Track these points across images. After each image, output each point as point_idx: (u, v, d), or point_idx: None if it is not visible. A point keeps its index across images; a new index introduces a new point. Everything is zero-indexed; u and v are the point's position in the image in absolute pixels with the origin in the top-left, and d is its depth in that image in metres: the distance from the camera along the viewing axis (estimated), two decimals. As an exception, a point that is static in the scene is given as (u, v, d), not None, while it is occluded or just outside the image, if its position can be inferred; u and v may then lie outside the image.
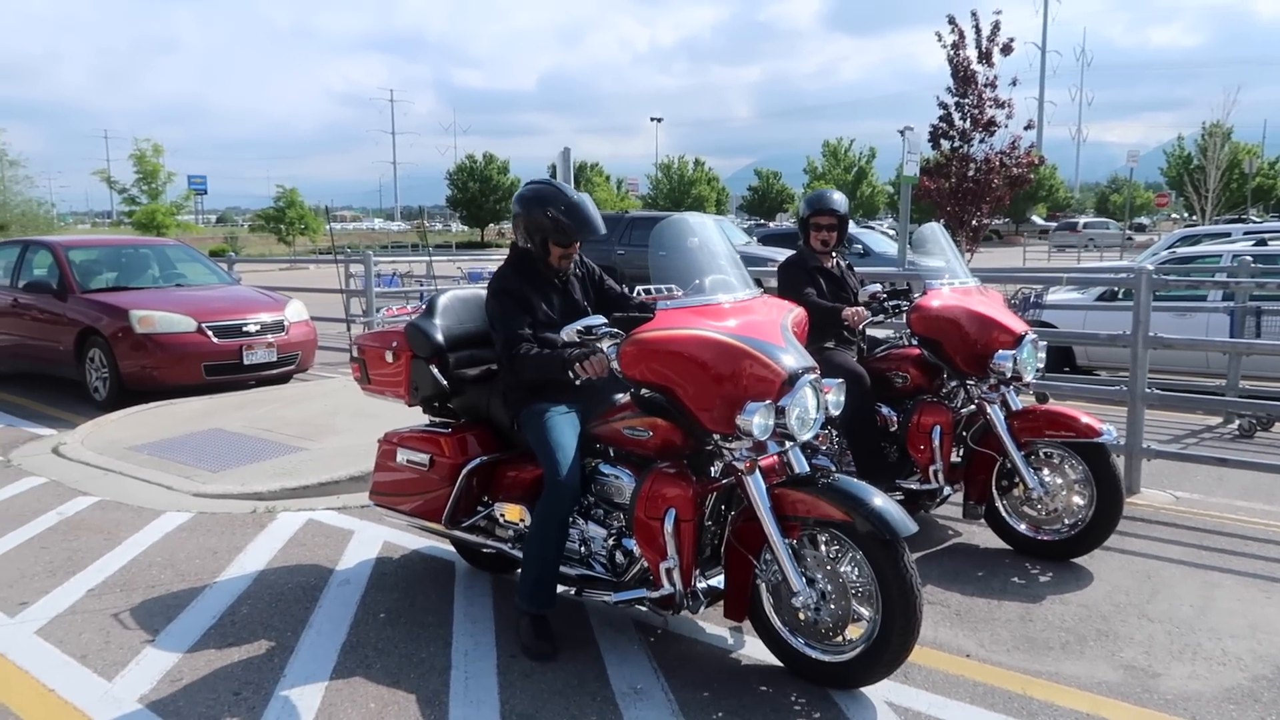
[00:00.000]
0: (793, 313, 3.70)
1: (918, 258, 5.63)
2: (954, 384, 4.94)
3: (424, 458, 4.08)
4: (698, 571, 3.42)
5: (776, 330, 3.46)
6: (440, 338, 4.13)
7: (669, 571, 3.32)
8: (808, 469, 3.40)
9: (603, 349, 3.44)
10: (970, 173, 19.31)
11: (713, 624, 3.87)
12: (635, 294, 3.90)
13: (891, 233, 24.90)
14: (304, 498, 5.75)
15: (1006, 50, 18.79)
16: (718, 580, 3.51)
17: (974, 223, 19.90)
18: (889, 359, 5.08)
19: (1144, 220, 61.36)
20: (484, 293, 4.07)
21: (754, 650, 3.63)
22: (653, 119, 70.34)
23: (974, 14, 18.70)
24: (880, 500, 3.18)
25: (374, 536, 5.03)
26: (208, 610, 4.10)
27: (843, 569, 3.28)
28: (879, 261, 17.17)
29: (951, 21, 18.84)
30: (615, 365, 3.43)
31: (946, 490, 4.80)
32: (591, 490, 3.68)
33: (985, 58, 18.73)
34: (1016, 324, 4.78)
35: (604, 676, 3.48)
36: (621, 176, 63.81)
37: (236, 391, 8.99)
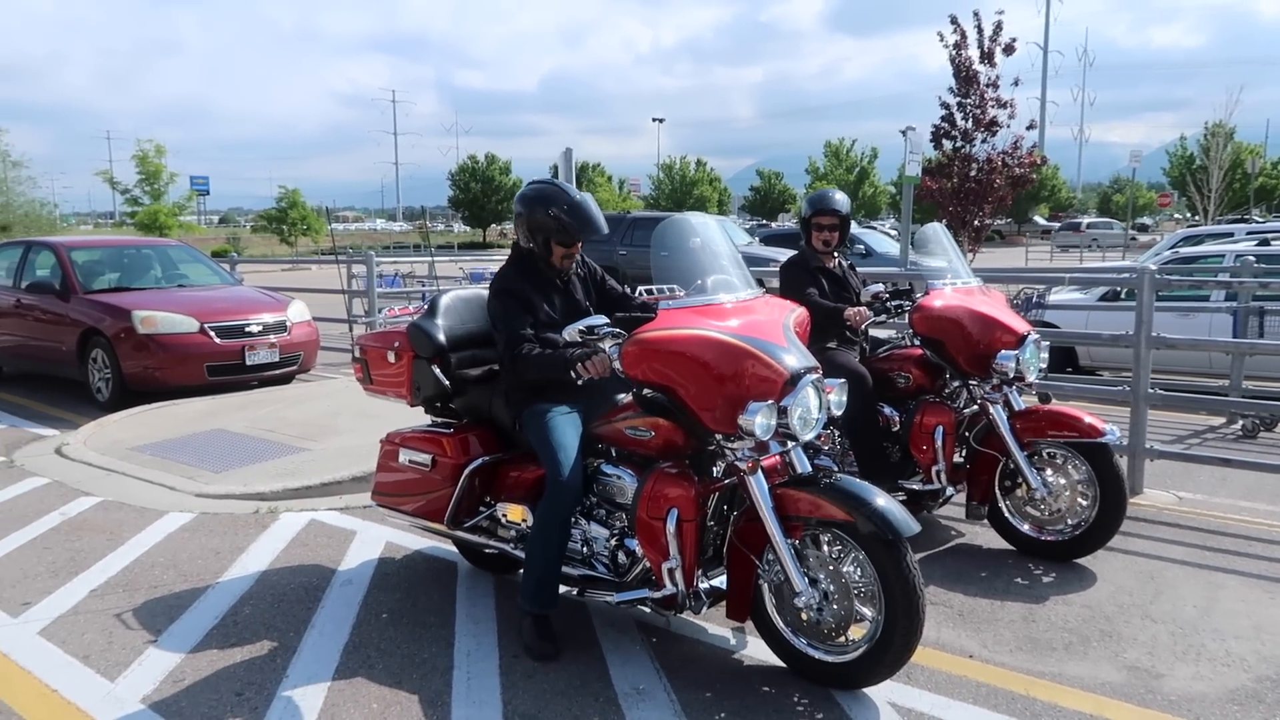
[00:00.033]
0: (795, 313, 3.70)
1: (920, 258, 5.62)
2: (956, 384, 4.94)
3: (426, 458, 4.08)
4: (700, 572, 3.42)
5: (779, 330, 3.46)
6: (442, 338, 4.13)
7: (671, 572, 3.32)
8: (810, 469, 3.40)
9: (604, 349, 3.44)
10: (972, 173, 19.29)
11: (715, 624, 3.86)
12: (637, 294, 3.90)
13: (893, 233, 24.89)
14: (306, 498, 5.75)
15: (1009, 50, 18.77)
16: (720, 581, 3.50)
17: (976, 223, 19.87)
18: (891, 359, 5.08)
19: (1146, 220, 61.29)
20: (486, 293, 4.07)
21: (756, 651, 3.63)
22: (655, 120, 70.45)
23: (976, 14, 18.69)
24: (883, 500, 3.18)
25: (376, 537, 5.03)
26: (210, 610, 4.10)
27: (845, 569, 3.28)
28: (881, 262, 17.16)
29: (954, 22, 18.83)
30: (617, 365, 3.43)
31: (949, 490, 4.79)
32: (594, 490, 3.68)
33: (987, 58, 18.71)
34: (1019, 324, 4.78)
35: (606, 677, 3.48)
36: (623, 177, 63.84)
37: (239, 392, 8.99)
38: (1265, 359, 8.05)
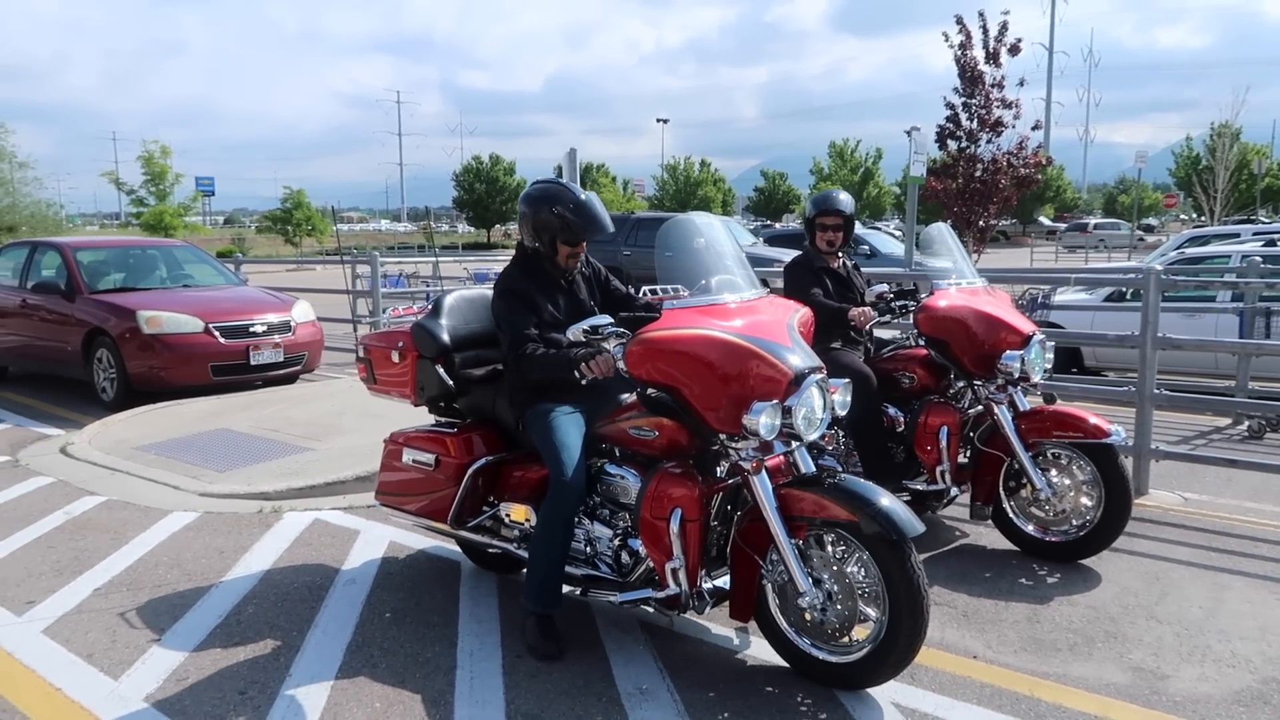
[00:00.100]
0: (799, 313, 3.69)
1: (925, 258, 5.62)
2: (961, 384, 4.93)
3: (430, 458, 4.08)
4: (703, 572, 3.41)
5: (783, 330, 3.46)
6: (446, 338, 4.13)
7: (675, 572, 3.31)
8: (814, 469, 3.39)
9: (608, 349, 3.43)
10: (977, 173, 19.26)
11: (718, 624, 3.86)
12: (641, 294, 3.89)
13: (898, 233, 24.86)
14: (310, 498, 5.75)
15: (1014, 50, 18.75)
16: (723, 581, 3.50)
17: (981, 223, 19.85)
18: (896, 359, 5.07)
19: (1152, 221, 61.19)
20: (490, 293, 4.07)
21: (760, 651, 3.62)
22: (659, 120, 70.57)
23: (981, 14, 18.67)
24: (887, 500, 3.17)
25: (380, 536, 5.03)
26: (214, 610, 4.11)
27: (849, 569, 3.27)
28: (885, 262, 17.14)
29: (959, 22, 18.81)
30: (621, 365, 3.42)
31: (953, 491, 4.78)
32: (597, 490, 3.67)
33: (993, 58, 18.68)
34: (1024, 324, 4.76)
35: (609, 677, 3.47)
36: (628, 177, 63.88)
37: (243, 392, 9.00)
38: (1271, 360, 8.02)
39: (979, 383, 4.79)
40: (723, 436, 3.33)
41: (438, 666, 3.57)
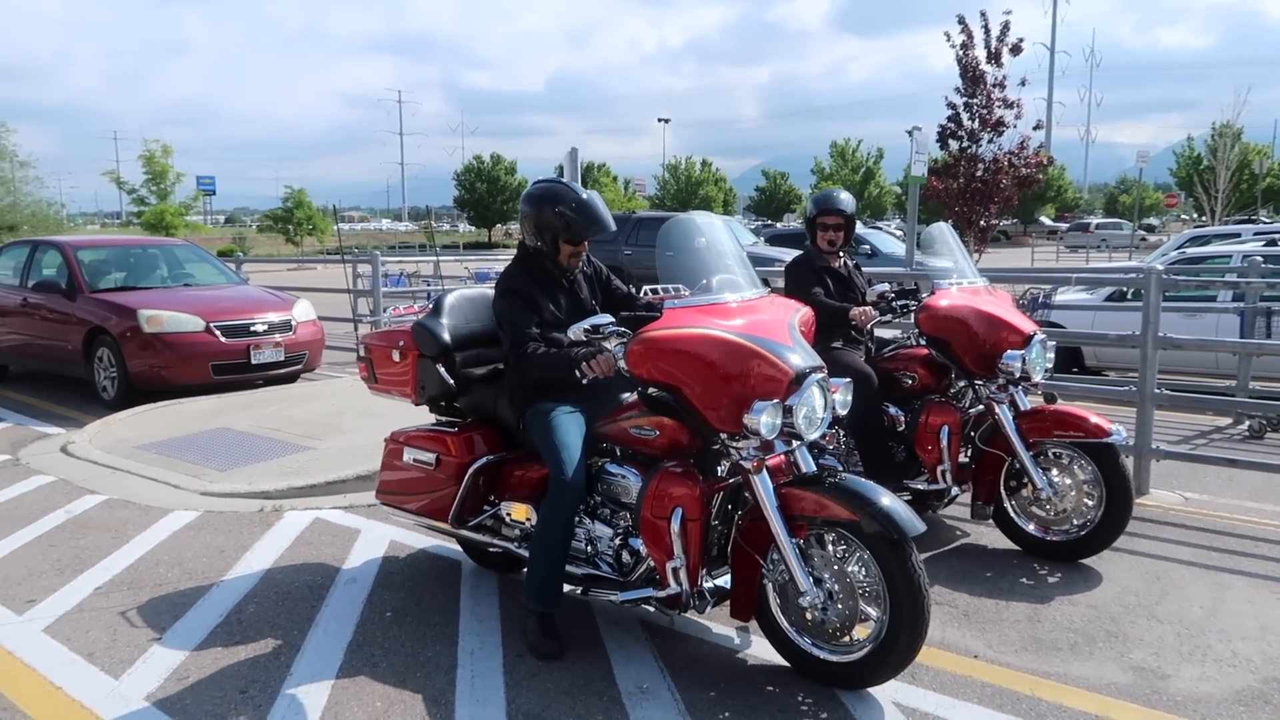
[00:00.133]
0: (800, 312, 3.69)
1: (926, 258, 5.61)
2: (962, 384, 4.92)
3: (430, 457, 4.08)
4: (704, 571, 3.41)
5: (784, 329, 3.46)
6: (447, 337, 4.13)
7: (675, 571, 3.31)
8: (815, 468, 3.39)
9: (609, 348, 3.43)
10: (978, 173, 19.26)
11: (719, 624, 3.86)
12: (642, 293, 3.89)
13: (899, 233, 24.85)
14: (311, 497, 5.75)
15: (1015, 50, 18.74)
16: (724, 580, 3.50)
17: (982, 223, 19.85)
18: (897, 359, 5.07)
19: (1153, 221, 61.17)
20: (491, 292, 4.07)
21: (761, 650, 3.62)
22: (660, 120, 70.51)
23: (983, 14, 18.67)
24: (888, 500, 3.17)
25: (380, 535, 5.03)
26: (214, 609, 4.11)
27: (850, 569, 3.27)
28: (886, 262, 17.14)
29: (961, 22, 18.80)
30: (622, 364, 3.42)
31: (954, 490, 4.78)
32: (598, 490, 3.67)
33: (994, 58, 18.68)
34: (1025, 324, 4.76)
35: (610, 676, 3.47)
36: (629, 177, 63.91)
37: (244, 391, 9.01)
38: (1272, 359, 8.01)
39: (980, 382, 4.79)
40: (724, 436, 3.33)
41: (439, 665, 3.57)
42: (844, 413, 3.52)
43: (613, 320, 3.44)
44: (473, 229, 65.86)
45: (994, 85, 18.83)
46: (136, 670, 3.54)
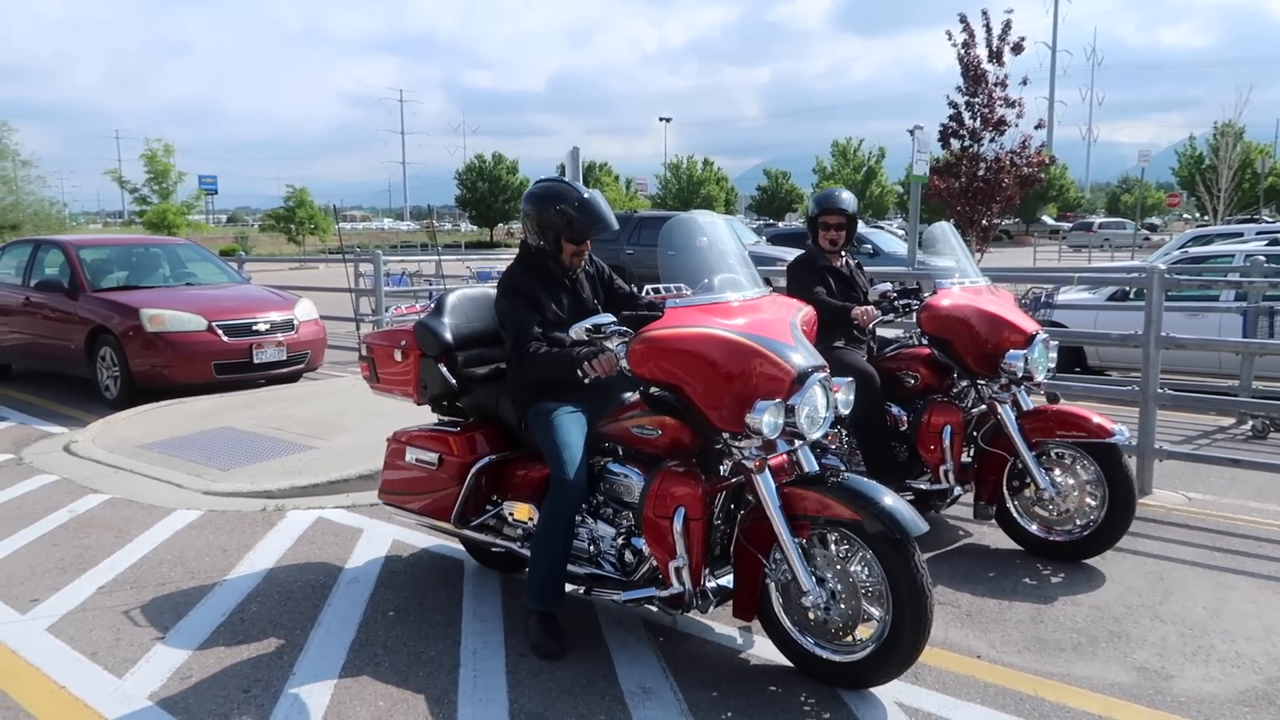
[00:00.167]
0: (802, 311, 3.69)
1: (928, 257, 5.60)
2: (964, 384, 4.92)
3: (433, 456, 4.08)
4: (707, 571, 3.41)
5: (786, 329, 3.45)
6: (449, 336, 4.13)
7: (678, 570, 3.31)
8: (817, 468, 3.39)
9: (611, 347, 3.43)
10: (980, 172, 19.22)
11: (722, 623, 3.86)
12: (644, 293, 3.88)
13: (901, 232, 24.84)
14: (313, 496, 5.76)
15: (1017, 49, 18.70)
16: (727, 580, 3.49)
17: (984, 222, 19.81)
18: (899, 358, 5.06)
19: (1155, 220, 61.10)
20: (492, 291, 4.07)
21: (763, 650, 3.62)
22: (662, 119, 70.50)
23: (985, 13, 18.63)
24: (890, 500, 3.17)
25: (383, 535, 5.04)
26: (217, 608, 4.11)
27: (853, 568, 3.26)
28: (888, 261, 17.13)
29: (962, 21, 18.77)
30: (624, 364, 3.42)
31: (957, 490, 4.77)
32: (600, 489, 3.67)
33: (996, 57, 18.64)
34: (1027, 324, 4.76)
35: (613, 675, 3.47)
36: (630, 176, 63.90)
37: (246, 390, 9.01)
38: (1275, 359, 8.00)
39: (982, 382, 4.78)
40: (726, 435, 3.33)
41: (441, 665, 3.57)
42: (846, 412, 3.52)
43: (614, 320, 3.44)
44: (474, 228, 65.87)
45: (996, 84, 18.79)
46: (139, 669, 3.54)
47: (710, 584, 3.43)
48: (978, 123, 19.08)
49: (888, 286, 5.24)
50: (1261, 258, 8.46)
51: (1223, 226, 23.30)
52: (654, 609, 3.57)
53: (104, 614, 4.05)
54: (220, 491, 5.78)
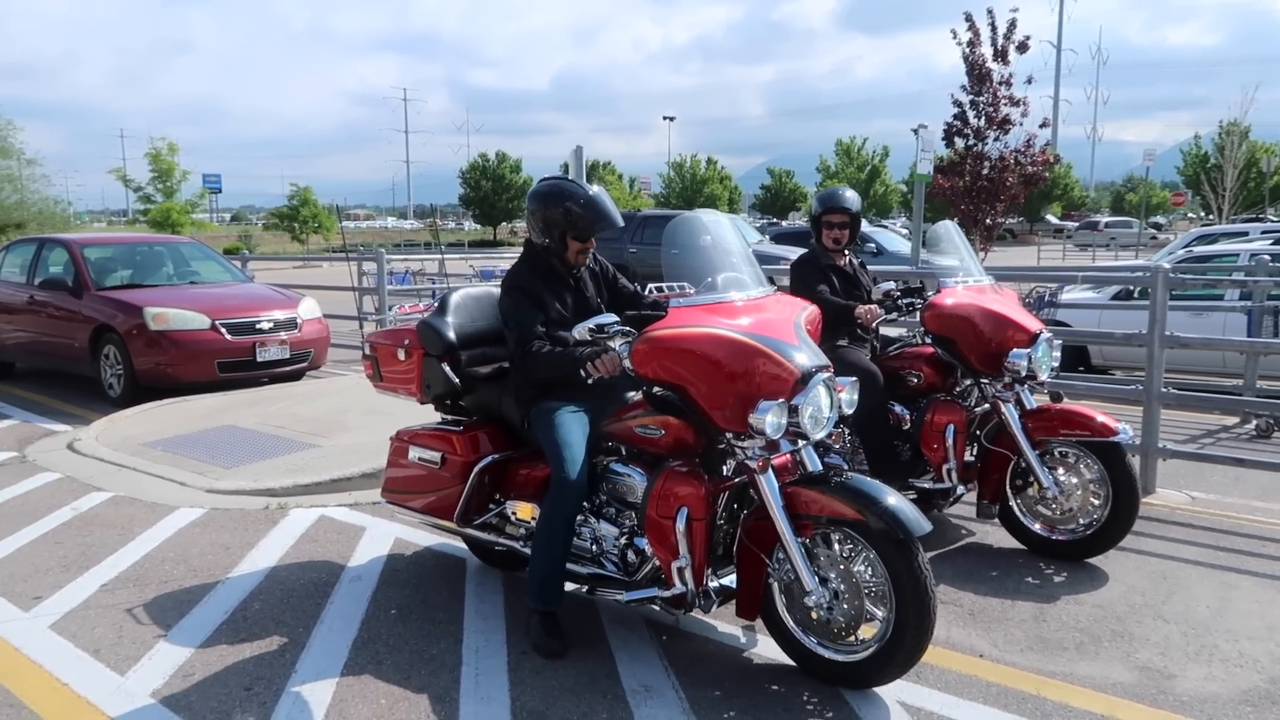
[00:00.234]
0: (806, 310, 3.69)
1: (932, 256, 5.59)
2: (968, 382, 4.92)
3: (436, 455, 4.08)
4: (709, 570, 3.41)
5: (790, 328, 3.45)
6: (452, 335, 4.13)
7: (681, 571, 3.30)
8: (820, 467, 3.38)
9: (614, 347, 3.43)
10: (984, 171, 19.18)
11: (725, 622, 3.85)
12: (648, 292, 3.88)
13: (904, 231, 24.81)
14: (316, 494, 5.76)
15: (1022, 48, 18.66)
16: (730, 579, 3.49)
17: (988, 221, 19.78)
18: (902, 357, 5.06)
19: (1160, 219, 60.97)
20: (496, 290, 4.06)
21: (766, 649, 3.62)
22: (666, 118, 70.48)
23: (990, 12, 18.59)
24: (894, 499, 3.16)
25: (386, 533, 5.04)
26: (220, 606, 4.11)
27: (856, 568, 3.26)
28: (892, 260, 17.11)
29: (968, 19, 18.74)
30: (627, 363, 3.42)
31: (960, 489, 4.77)
32: (603, 489, 3.67)
33: (1001, 56, 18.61)
34: (1031, 322, 4.75)
35: (615, 674, 3.47)
36: (634, 175, 63.86)
37: (250, 388, 9.02)
38: (1279, 359, 7.98)
39: (986, 381, 4.78)
40: (729, 435, 3.33)
41: (443, 663, 3.57)
42: (850, 412, 3.51)
43: (617, 319, 3.43)
44: (478, 227, 65.87)
45: (1000, 83, 18.75)
46: (142, 667, 3.54)
47: (713, 583, 3.43)
48: (982, 121, 19.05)
49: (891, 285, 5.23)
50: (1266, 257, 8.45)
51: (1228, 226, 23.24)
52: (657, 608, 3.57)
53: (107, 612, 4.06)
54: (223, 489, 5.79)
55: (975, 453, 4.83)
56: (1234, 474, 6.10)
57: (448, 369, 4.11)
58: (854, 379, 3.53)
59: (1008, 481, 4.71)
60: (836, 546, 3.31)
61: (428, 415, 4.43)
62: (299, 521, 5.26)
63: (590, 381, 3.51)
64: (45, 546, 4.89)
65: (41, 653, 3.68)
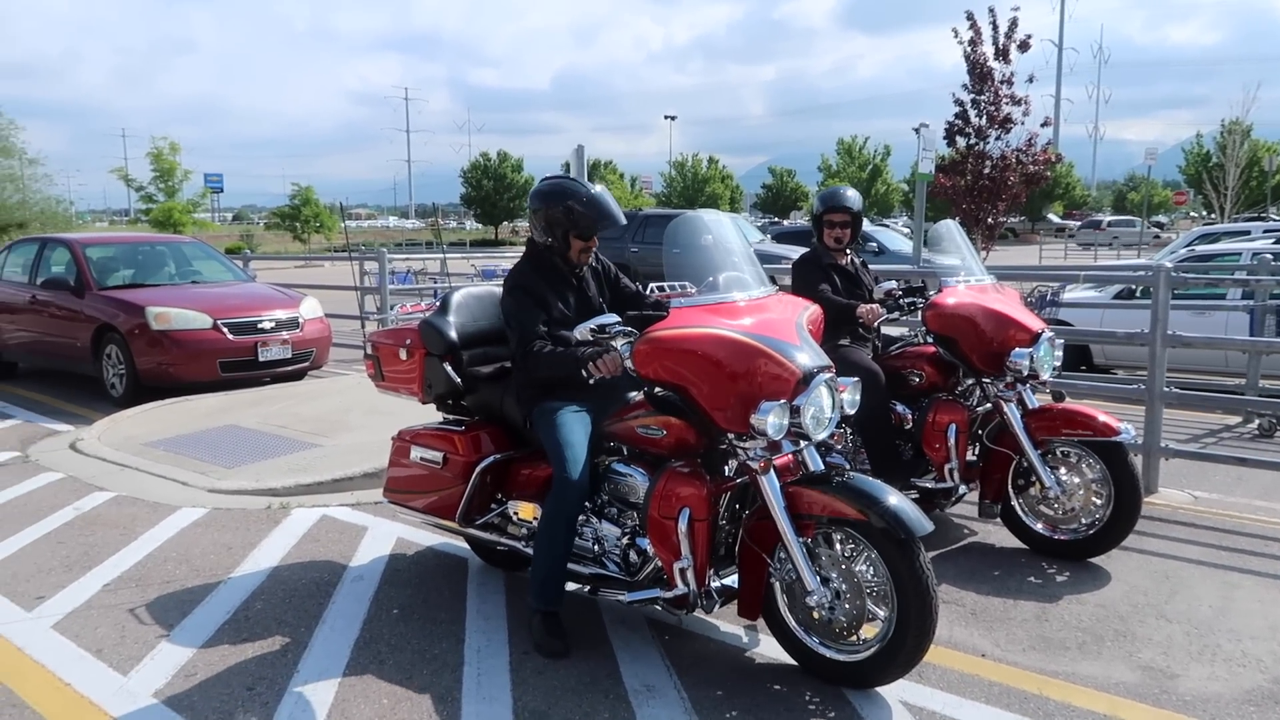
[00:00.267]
0: (808, 310, 3.68)
1: (933, 255, 5.59)
2: (970, 382, 4.91)
3: (438, 455, 4.08)
4: (711, 570, 3.41)
5: (792, 328, 3.44)
6: (454, 335, 4.13)
7: (683, 571, 3.30)
8: (822, 466, 3.38)
9: (616, 347, 3.43)
10: (986, 170, 19.19)
11: (727, 622, 3.85)
12: (649, 291, 3.88)
13: (906, 230, 24.79)
14: (318, 494, 5.77)
15: (1024, 47, 18.66)
16: (731, 579, 3.49)
17: (990, 220, 19.78)
18: (904, 356, 5.05)
19: (1162, 218, 60.90)
20: (497, 290, 4.06)
21: (768, 649, 3.62)
22: (667, 117, 70.39)
23: (991, 11, 18.59)
24: (895, 499, 3.16)
25: (387, 533, 5.04)
26: (222, 606, 4.12)
27: (858, 568, 3.26)
28: (894, 259, 17.09)
29: (969, 18, 18.73)
30: (629, 364, 3.42)
31: (962, 489, 4.76)
32: (605, 489, 3.67)
33: (1002, 54, 18.60)
34: (1033, 322, 4.75)
35: (616, 674, 3.47)
36: (636, 174, 63.84)
37: (251, 388, 9.02)
38: (1282, 358, 7.97)
39: (988, 380, 4.77)
40: (731, 436, 3.32)
41: (445, 663, 3.57)
42: (852, 412, 3.51)
43: (619, 320, 3.43)
44: (479, 226, 65.87)
45: (1002, 82, 18.75)
46: (144, 667, 3.55)
47: (715, 584, 3.43)
48: (984, 120, 19.05)
49: (893, 284, 5.23)
50: (1269, 256, 8.43)
51: (1230, 224, 23.21)
52: (659, 608, 3.57)
53: (109, 611, 4.06)
54: (225, 489, 5.79)
55: (977, 452, 4.83)
56: (1236, 473, 6.10)
57: (449, 368, 4.10)
58: (856, 379, 3.53)
59: (1010, 481, 4.70)
60: (838, 546, 3.31)
61: (429, 415, 4.43)
62: (301, 521, 5.26)
63: (592, 382, 3.51)
64: (48, 546, 4.89)
65: (44, 653, 3.68)
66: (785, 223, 46.01)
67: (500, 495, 4.07)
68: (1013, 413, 4.62)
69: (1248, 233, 14.31)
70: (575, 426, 3.60)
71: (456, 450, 4.02)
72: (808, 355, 3.32)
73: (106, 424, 7.62)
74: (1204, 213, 51.32)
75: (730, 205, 60.09)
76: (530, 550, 3.82)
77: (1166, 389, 5.75)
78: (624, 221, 3.90)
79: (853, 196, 5.23)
